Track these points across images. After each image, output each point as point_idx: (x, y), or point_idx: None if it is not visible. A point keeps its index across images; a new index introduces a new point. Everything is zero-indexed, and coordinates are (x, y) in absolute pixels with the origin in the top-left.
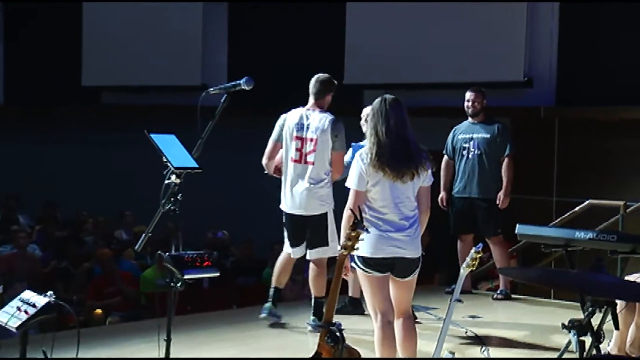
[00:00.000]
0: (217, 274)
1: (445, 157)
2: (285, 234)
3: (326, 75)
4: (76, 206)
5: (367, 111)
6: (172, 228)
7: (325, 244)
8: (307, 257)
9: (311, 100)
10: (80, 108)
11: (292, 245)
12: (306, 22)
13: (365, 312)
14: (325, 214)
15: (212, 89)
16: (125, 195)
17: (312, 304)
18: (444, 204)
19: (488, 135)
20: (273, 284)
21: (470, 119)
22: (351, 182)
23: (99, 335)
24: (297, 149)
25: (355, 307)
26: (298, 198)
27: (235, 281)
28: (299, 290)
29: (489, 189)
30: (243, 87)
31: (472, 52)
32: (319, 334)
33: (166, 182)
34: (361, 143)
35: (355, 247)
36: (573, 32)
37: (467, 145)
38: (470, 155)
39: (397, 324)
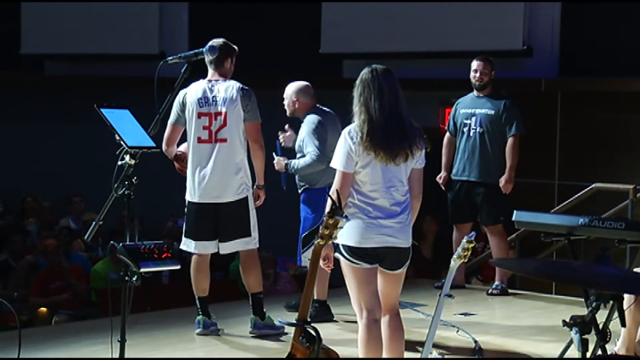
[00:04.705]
0: (178, 267)
1: (447, 133)
2: (189, 229)
3: (221, 39)
4: (16, 190)
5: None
6: (126, 215)
7: (248, 234)
8: (221, 252)
9: (210, 70)
10: (19, 79)
11: (200, 239)
12: None
13: (335, 318)
14: (246, 199)
15: (171, 57)
16: (73, 179)
17: (250, 302)
18: (444, 184)
19: (492, 112)
20: (196, 295)
21: (475, 92)
22: (337, 162)
23: (43, 336)
24: (204, 127)
25: (324, 312)
26: (210, 184)
27: None
28: (270, 285)
29: (489, 172)
30: (206, 56)
31: (463, 17)
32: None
33: (119, 163)
34: (281, 139)
35: (334, 237)
36: None
37: (468, 121)
38: (471, 133)
39: (384, 322)
